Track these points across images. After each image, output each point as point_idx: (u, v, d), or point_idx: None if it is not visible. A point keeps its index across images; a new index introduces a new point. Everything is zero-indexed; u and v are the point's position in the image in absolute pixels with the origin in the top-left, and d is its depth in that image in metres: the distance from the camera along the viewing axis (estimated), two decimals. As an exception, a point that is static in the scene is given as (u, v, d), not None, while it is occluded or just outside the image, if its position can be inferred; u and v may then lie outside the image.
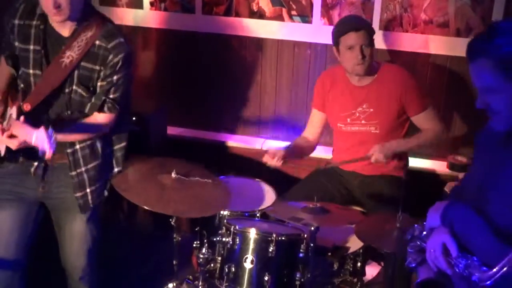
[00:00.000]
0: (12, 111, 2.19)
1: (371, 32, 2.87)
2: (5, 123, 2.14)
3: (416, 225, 1.85)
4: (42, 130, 1.96)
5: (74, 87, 2.25)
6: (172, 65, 3.85)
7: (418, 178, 3.08)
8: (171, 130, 3.78)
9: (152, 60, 3.88)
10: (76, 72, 2.24)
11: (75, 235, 2.43)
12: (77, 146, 2.31)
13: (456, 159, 3.38)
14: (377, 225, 2.48)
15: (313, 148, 3.15)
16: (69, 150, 2.30)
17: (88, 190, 2.37)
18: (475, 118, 3.43)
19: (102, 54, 2.25)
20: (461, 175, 3.31)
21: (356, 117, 2.94)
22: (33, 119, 2.10)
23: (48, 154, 1.96)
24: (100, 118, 2.33)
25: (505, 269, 1.45)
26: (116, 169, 2.49)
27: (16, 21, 2.26)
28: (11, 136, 2.05)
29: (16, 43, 2.26)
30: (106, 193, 2.47)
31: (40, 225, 2.43)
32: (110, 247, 3.27)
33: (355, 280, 2.63)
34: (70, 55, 2.21)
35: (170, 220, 2.60)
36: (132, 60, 2.37)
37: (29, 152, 2.18)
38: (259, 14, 3.57)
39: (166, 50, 3.84)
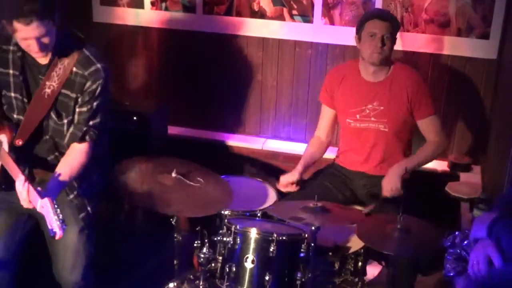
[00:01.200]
0: (2, 138, 2.23)
1: (396, 27, 2.88)
2: None
3: (457, 232, 1.82)
4: (47, 201, 2.01)
5: (50, 113, 2.28)
6: (172, 64, 3.85)
7: (419, 178, 3.07)
8: (172, 130, 3.78)
9: (152, 59, 3.88)
10: (56, 100, 2.28)
11: (68, 248, 2.40)
12: None
13: (457, 159, 3.38)
14: (378, 225, 2.47)
15: (325, 149, 3.15)
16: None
17: (89, 208, 2.43)
18: (476, 118, 3.43)
19: (79, 82, 2.26)
20: (462, 175, 3.31)
21: (366, 114, 2.94)
22: (22, 152, 2.20)
23: (59, 235, 2.02)
24: (80, 147, 2.34)
25: None
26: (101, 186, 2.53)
27: None
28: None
29: None
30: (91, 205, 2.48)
31: (29, 236, 2.43)
32: (110, 247, 3.27)
33: (356, 279, 2.62)
34: (50, 85, 2.23)
35: (171, 219, 2.60)
36: (109, 86, 2.37)
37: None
38: (260, 14, 3.56)
39: (166, 50, 3.84)
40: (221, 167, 3.05)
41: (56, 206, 2.02)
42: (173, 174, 2.49)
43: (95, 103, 2.29)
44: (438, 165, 3.41)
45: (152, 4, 3.74)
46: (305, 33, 3.53)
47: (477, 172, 3.36)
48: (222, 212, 2.69)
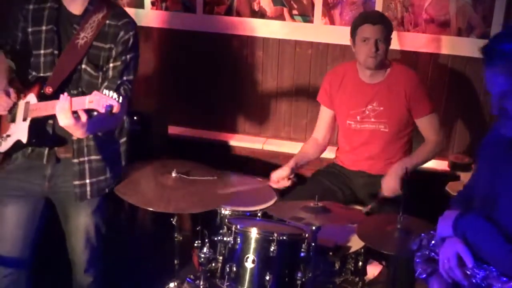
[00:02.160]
0: (28, 99, 2.24)
1: (389, 29, 2.87)
2: (16, 114, 2.20)
3: (423, 234, 1.83)
4: (95, 92, 1.98)
5: (83, 65, 2.28)
6: (173, 64, 3.85)
7: (419, 178, 3.07)
8: (172, 130, 3.77)
9: (153, 59, 3.88)
10: (87, 52, 2.28)
11: (80, 229, 2.44)
12: None
13: (458, 159, 3.38)
14: (378, 225, 2.47)
15: (322, 151, 3.15)
16: (74, 138, 2.29)
17: (87, 181, 2.36)
18: (476, 117, 3.43)
19: (112, 32, 2.29)
20: (462, 175, 3.30)
21: (366, 115, 2.94)
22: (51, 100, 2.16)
23: (116, 107, 1.97)
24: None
25: None
26: (123, 164, 2.50)
27: (31, 6, 2.33)
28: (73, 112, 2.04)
29: (29, 29, 2.31)
30: (107, 189, 2.45)
31: (47, 221, 2.43)
32: (111, 246, 3.27)
33: (357, 279, 2.62)
34: (84, 36, 2.26)
35: (171, 219, 2.60)
36: (139, 40, 2.39)
37: (41, 142, 2.25)
38: (260, 14, 3.56)
39: (167, 50, 3.84)
40: (221, 167, 3.06)
41: (104, 91, 1.99)
42: (173, 174, 2.49)
43: (128, 56, 2.31)
44: (438, 165, 3.40)
45: (152, 4, 3.74)
46: (305, 33, 3.53)
47: (477, 172, 3.35)
48: (223, 212, 2.70)
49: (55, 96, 2.18)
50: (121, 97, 1.99)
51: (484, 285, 1.56)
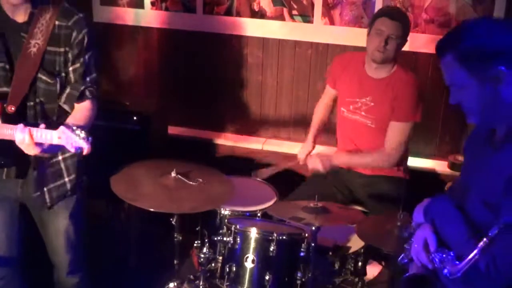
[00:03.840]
0: None
1: (406, 29, 2.83)
2: None
3: (413, 223, 1.86)
4: (62, 128, 1.93)
5: (38, 74, 2.14)
6: (173, 64, 3.85)
7: (419, 178, 3.07)
8: (172, 130, 3.77)
9: (153, 59, 3.88)
10: (42, 58, 2.15)
11: (60, 232, 2.38)
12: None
13: (457, 159, 3.38)
14: (378, 225, 2.47)
15: (331, 108, 3.22)
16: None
17: (45, 189, 2.28)
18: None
19: (64, 34, 2.15)
20: (462, 175, 3.31)
21: (358, 107, 2.95)
22: (14, 119, 2.05)
23: (87, 150, 1.94)
24: (83, 105, 2.22)
25: (472, 261, 1.48)
26: (67, 178, 2.35)
27: None
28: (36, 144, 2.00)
29: None
30: (69, 193, 2.35)
31: (26, 223, 2.40)
32: (111, 246, 3.27)
33: (356, 279, 2.62)
34: (35, 43, 2.11)
35: (171, 219, 2.60)
36: (93, 34, 2.24)
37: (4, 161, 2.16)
38: (260, 14, 3.57)
39: (167, 50, 3.84)
40: (221, 167, 3.06)
41: (74, 128, 1.94)
42: (173, 174, 2.49)
43: (86, 56, 2.19)
44: (438, 165, 3.41)
45: (152, 4, 3.74)
46: (305, 33, 3.53)
47: (477, 172, 3.35)
48: (222, 212, 2.69)
49: (18, 112, 2.09)
50: (90, 138, 1.94)
51: (439, 267, 1.61)
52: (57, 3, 2.17)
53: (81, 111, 2.22)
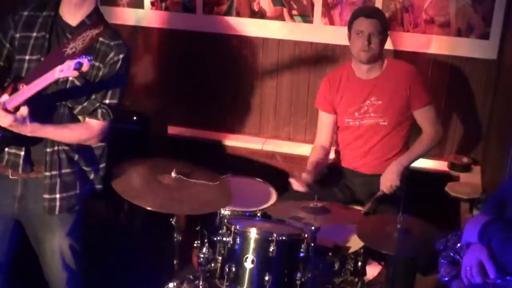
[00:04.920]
0: (4, 98, 2.13)
1: (384, 24, 2.90)
2: None
3: (449, 235, 1.81)
4: (67, 61, 1.98)
5: (71, 78, 2.19)
6: (172, 65, 3.85)
7: (419, 178, 3.07)
8: (172, 130, 3.77)
9: (152, 59, 3.88)
10: None
11: (55, 251, 2.37)
12: (56, 148, 2.25)
13: (457, 159, 3.38)
14: (378, 225, 2.47)
15: (329, 152, 3.13)
16: (48, 150, 2.23)
17: (57, 195, 2.28)
18: (475, 118, 3.43)
19: (103, 51, 2.23)
20: (461, 175, 3.31)
21: (365, 111, 2.95)
22: (27, 105, 2.07)
23: (86, 65, 1.97)
24: (91, 124, 2.26)
25: None
26: (97, 186, 2.41)
27: (26, 12, 2.28)
28: (6, 110, 2.03)
29: (17, 34, 2.25)
30: (77, 207, 2.36)
31: (18, 242, 2.40)
32: (110, 247, 3.27)
33: (356, 280, 2.62)
34: (73, 47, 2.21)
35: (171, 219, 2.60)
36: (129, 66, 2.34)
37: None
38: (260, 14, 3.56)
39: (166, 50, 3.84)
40: (221, 167, 3.06)
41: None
42: (173, 174, 2.49)
43: (115, 79, 2.25)
44: (438, 165, 3.41)
45: (152, 4, 3.74)
46: (305, 33, 3.53)
47: (476, 172, 3.35)
48: (222, 212, 2.69)
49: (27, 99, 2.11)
50: (92, 57, 2.01)
51: None
52: (109, 26, 2.29)
53: (86, 127, 2.27)
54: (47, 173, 2.25)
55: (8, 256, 2.38)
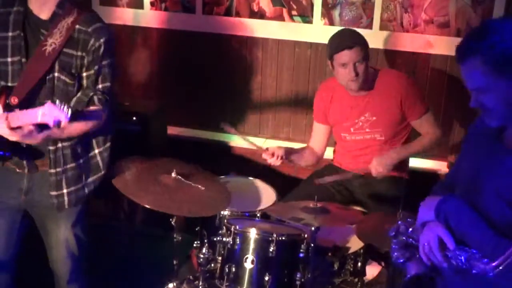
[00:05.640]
0: None
1: (365, 47, 2.82)
2: None
3: (399, 222, 1.85)
4: (48, 104, 1.94)
5: (56, 74, 2.18)
6: (172, 65, 3.85)
7: (418, 178, 3.08)
8: (171, 130, 3.78)
9: (152, 60, 3.88)
10: (57, 59, 2.18)
11: (61, 241, 2.39)
12: (60, 145, 2.24)
13: (457, 159, 3.38)
14: (377, 225, 2.47)
15: (318, 159, 3.13)
16: (51, 148, 2.23)
17: (65, 191, 2.28)
18: (475, 118, 3.43)
19: (82, 39, 2.18)
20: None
21: (359, 126, 2.95)
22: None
23: (64, 122, 1.94)
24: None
25: (508, 260, 1.47)
26: (102, 172, 2.40)
27: None
28: (12, 129, 2.01)
29: None
30: (85, 199, 2.37)
31: (25, 233, 2.41)
32: (110, 247, 3.27)
33: (356, 280, 2.63)
34: (52, 43, 2.15)
35: (170, 219, 2.60)
36: (114, 46, 2.29)
37: (15, 153, 2.18)
38: (260, 14, 3.56)
39: (166, 50, 3.84)
40: (220, 168, 3.06)
41: (58, 104, 1.96)
42: (173, 174, 2.49)
43: (101, 64, 2.21)
44: (438, 165, 3.41)
45: (152, 4, 3.74)
46: (304, 34, 3.53)
47: (476, 172, 3.35)
48: (222, 212, 2.69)
49: (21, 106, 2.10)
50: (69, 110, 1.95)
51: (466, 267, 1.58)
52: (80, 11, 2.21)
53: None
54: (52, 170, 2.26)
55: (16, 248, 2.39)
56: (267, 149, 2.86)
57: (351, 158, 3.03)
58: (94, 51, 2.19)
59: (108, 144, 2.39)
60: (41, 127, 2.05)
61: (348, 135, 2.99)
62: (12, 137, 2.03)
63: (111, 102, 2.28)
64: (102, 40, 2.19)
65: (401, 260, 1.81)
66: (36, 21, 2.19)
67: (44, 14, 2.18)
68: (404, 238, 1.81)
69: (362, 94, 2.92)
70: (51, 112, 1.94)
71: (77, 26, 2.18)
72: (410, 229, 1.81)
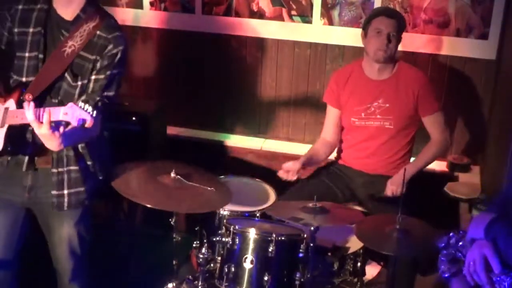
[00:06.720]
0: (8, 104, 2.15)
1: (402, 25, 2.91)
2: None
3: (451, 233, 1.81)
4: (71, 104, 1.96)
5: (66, 74, 2.20)
6: (172, 65, 3.85)
7: (418, 178, 3.07)
8: (171, 130, 3.78)
9: (152, 60, 3.88)
10: (73, 61, 2.20)
11: (64, 239, 2.40)
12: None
13: (456, 159, 3.38)
14: (377, 226, 2.47)
15: (331, 149, 3.13)
16: None
17: (65, 191, 2.28)
18: (475, 118, 3.44)
19: (101, 44, 2.21)
20: (461, 175, 3.31)
21: (371, 112, 2.95)
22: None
23: (89, 122, 1.95)
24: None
25: None
26: (102, 178, 2.41)
27: (20, 6, 2.24)
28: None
29: (15, 29, 2.22)
30: (86, 202, 2.36)
31: (29, 230, 2.41)
32: (110, 246, 3.27)
33: (355, 280, 2.62)
34: (72, 45, 2.19)
35: (170, 219, 2.60)
36: (127, 58, 2.32)
37: (18, 150, 2.18)
38: (259, 14, 3.57)
39: (166, 50, 3.84)
40: (220, 168, 3.06)
41: (81, 105, 1.97)
42: (172, 175, 2.49)
43: (113, 71, 2.23)
44: (437, 165, 3.40)
45: (151, 4, 3.74)
46: (304, 34, 3.53)
47: (476, 172, 3.36)
48: (221, 212, 2.69)
49: (34, 103, 2.08)
50: (95, 111, 1.96)
51: None
52: (105, 17, 2.26)
53: None
54: (54, 170, 2.26)
55: (18, 245, 2.39)
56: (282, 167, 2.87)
57: (356, 150, 3.03)
58: (110, 56, 2.22)
59: (107, 152, 2.42)
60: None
61: (358, 120, 2.98)
62: (43, 130, 1.99)
63: (110, 110, 2.28)
64: (120, 48, 2.23)
65: (447, 275, 1.77)
66: (58, 20, 2.22)
67: (67, 15, 2.22)
68: (453, 251, 1.77)
69: (380, 78, 2.94)
70: (73, 112, 1.96)
71: (98, 32, 2.22)
72: (460, 243, 1.77)
